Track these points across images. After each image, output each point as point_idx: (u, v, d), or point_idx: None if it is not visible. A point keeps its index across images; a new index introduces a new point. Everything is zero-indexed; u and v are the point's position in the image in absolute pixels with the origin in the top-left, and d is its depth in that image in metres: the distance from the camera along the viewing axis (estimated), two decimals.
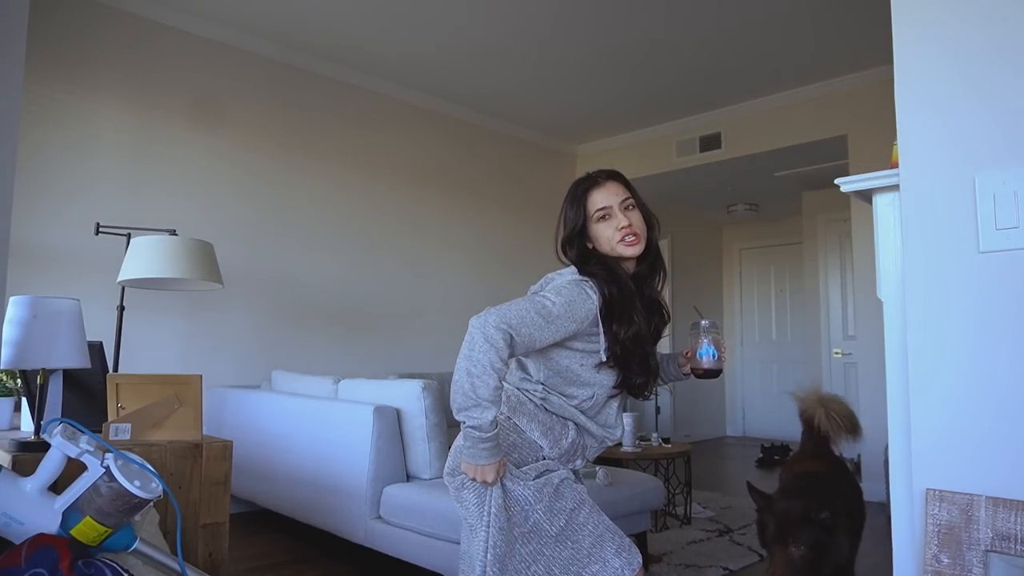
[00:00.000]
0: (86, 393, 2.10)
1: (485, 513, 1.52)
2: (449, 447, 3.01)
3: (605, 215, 1.65)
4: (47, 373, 1.83)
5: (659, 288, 1.77)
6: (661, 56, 4.43)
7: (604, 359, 1.59)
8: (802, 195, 6.52)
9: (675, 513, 3.95)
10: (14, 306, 1.78)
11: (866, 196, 1.39)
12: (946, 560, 1.11)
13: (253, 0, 3.79)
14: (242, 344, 4.09)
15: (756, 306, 8.00)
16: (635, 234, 1.64)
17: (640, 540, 3.06)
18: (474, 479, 1.51)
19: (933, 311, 1.21)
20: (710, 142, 5.42)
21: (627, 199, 1.67)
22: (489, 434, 1.45)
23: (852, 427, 3.14)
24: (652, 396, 1.75)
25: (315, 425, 3.12)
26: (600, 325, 1.58)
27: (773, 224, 7.85)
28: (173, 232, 3.18)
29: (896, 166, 1.31)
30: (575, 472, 1.72)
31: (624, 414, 3.86)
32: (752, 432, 7.83)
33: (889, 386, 1.29)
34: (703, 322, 1.75)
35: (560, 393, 1.62)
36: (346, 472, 2.89)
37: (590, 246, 1.68)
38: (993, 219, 1.15)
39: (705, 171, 5.67)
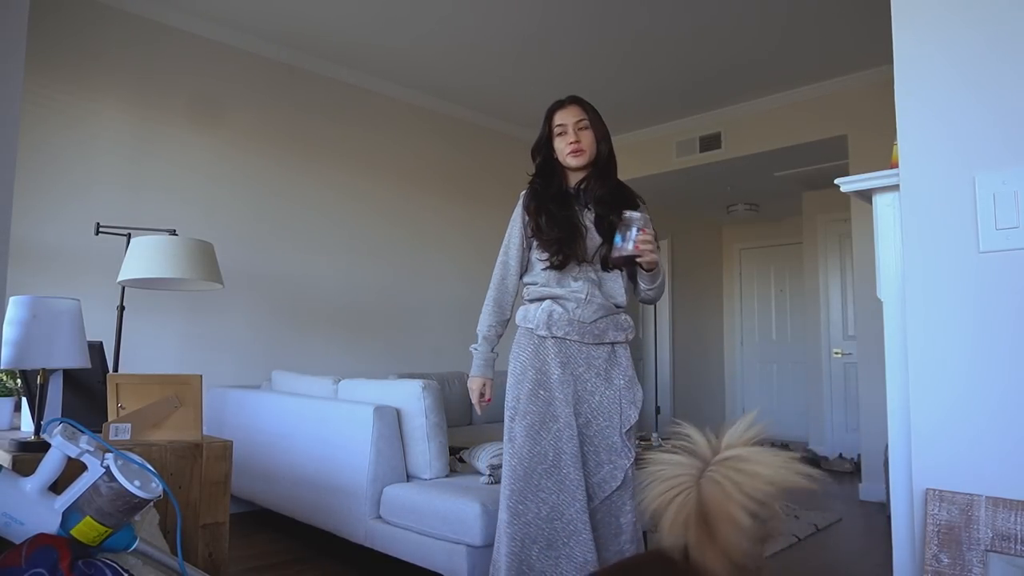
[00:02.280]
0: (86, 393, 2.10)
1: None
2: (449, 447, 3.02)
3: (562, 132, 2.11)
4: (47, 373, 1.83)
5: (609, 187, 2.12)
6: (661, 56, 4.43)
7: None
8: (802, 195, 6.52)
9: None
10: (14, 306, 1.78)
11: (866, 196, 1.39)
12: (946, 560, 1.11)
13: (253, 0, 3.79)
14: (242, 344, 4.09)
15: (756, 306, 8.00)
16: (580, 149, 2.09)
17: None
18: None
19: (933, 311, 1.21)
20: (710, 142, 5.42)
21: (582, 120, 2.10)
22: None
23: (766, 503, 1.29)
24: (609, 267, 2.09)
25: (315, 425, 3.12)
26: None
27: (773, 224, 7.85)
28: (173, 232, 3.18)
29: (896, 166, 1.31)
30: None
31: None
32: None
33: (889, 386, 1.29)
34: (624, 214, 1.96)
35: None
36: (346, 472, 2.89)
37: (555, 156, 2.14)
38: (993, 219, 1.15)
39: (705, 171, 5.67)
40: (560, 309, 2.05)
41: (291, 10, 3.89)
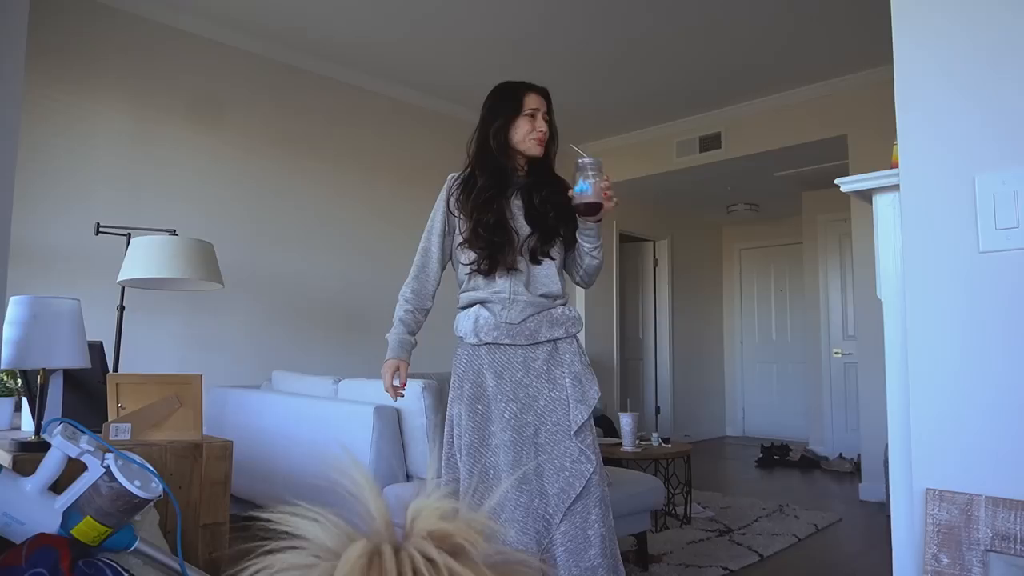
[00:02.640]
0: (86, 393, 2.10)
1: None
2: None
3: (533, 114, 1.99)
4: (47, 373, 1.83)
5: (552, 193, 2.00)
6: (661, 56, 4.43)
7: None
8: (802, 195, 6.52)
9: (675, 513, 3.95)
10: (14, 306, 1.78)
11: (866, 196, 1.39)
12: (946, 560, 1.11)
13: (253, 0, 3.79)
14: (242, 344, 4.09)
15: (756, 306, 8.00)
16: (542, 141, 2.00)
17: (640, 540, 3.06)
18: None
19: (933, 311, 1.21)
20: (710, 142, 5.42)
21: (547, 111, 2.03)
22: None
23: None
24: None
25: (315, 425, 3.12)
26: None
27: (773, 224, 7.85)
28: (173, 232, 3.18)
29: (896, 166, 1.31)
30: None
31: (624, 414, 3.86)
32: (752, 432, 7.83)
33: (889, 386, 1.29)
34: (579, 160, 1.85)
35: None
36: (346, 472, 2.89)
37: (492, 143, 1.99)
38: (993, 219, 1.15)
39: (705, 171, 5.67)
40: (487, 313, 1.94)
41: (291, 10, 3.89)
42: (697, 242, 7.80)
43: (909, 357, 1.23)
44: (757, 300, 8.00)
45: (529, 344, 1.91)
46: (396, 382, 2.04)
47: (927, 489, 1.17)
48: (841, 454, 6.02)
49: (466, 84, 4.93)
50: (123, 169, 3.72)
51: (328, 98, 4.62)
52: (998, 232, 1.15)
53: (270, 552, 0.72)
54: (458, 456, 1.91)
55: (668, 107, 5.33)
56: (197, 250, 2.94)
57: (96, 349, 2.15)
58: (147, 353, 3.66)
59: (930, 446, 1.19)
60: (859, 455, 5.07)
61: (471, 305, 2.00)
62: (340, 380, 3.35)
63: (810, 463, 5.94)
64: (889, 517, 1.28)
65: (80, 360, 1.83)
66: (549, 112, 2.04)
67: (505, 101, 2.02)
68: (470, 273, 1.98)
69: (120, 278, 2.95)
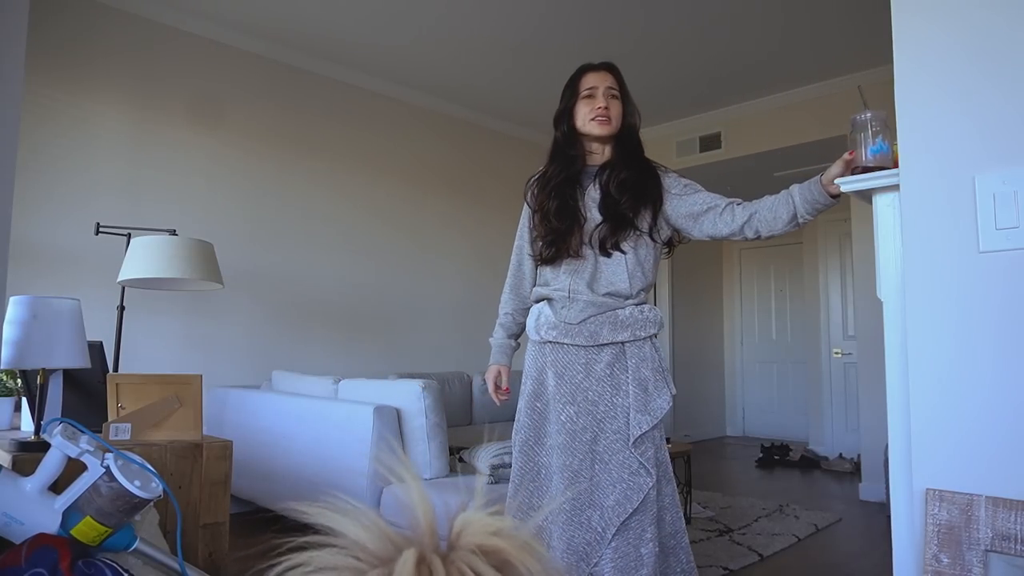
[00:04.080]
0: (86, 393, 2.10)
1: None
2: (449, 447, 3.01)
3: (590, 94, 1.89)
4: (47, 373, 1.83)
5: (635, 168, 1.88)
6: (660, 56, 4.43)
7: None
8: None
9: None
10: (14, 306, 1.78)
11: (866, 196, 1.39)
12: (946, 560, 1.11)
13: (253, 0, 3.79)
14: (242, 344, 4.09)
15: (756, 306, 8.00)
16: (607, 116, 1.87)
17: None
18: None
19: (933, 311, 1.21)
20: (710, 142, 5.42)
21: (612, 87, 1.91)
22: None
23: None
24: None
25: (315, 425, 3.12)
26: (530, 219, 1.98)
27: None
28: (173, 232, 3.18)
29: (896, 166, 1.31)
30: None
31: None
32: (752, 432, 7.83)
33: (889, 386, 1.29)
34: (868, 114, 1.42)
35: None
36: (346, 472, 2.89)
37: (557, 133, 1.93)
38: (993, 219, 1.15)
39: (705, 171, 5.67)
40: (548, 311, 1.87)
41: (291, 10, 3.89)
42: (697, 242, 7.78)
43: (909, 357, 1.23)
44: (757, 300, 8.00)
45: (592, 345, 1.80)
46: (500, 385, 1.99)
47: (927, 489, 1.17)
48: (841, 454, 6.02)
49: (466, 84, 4.93)
50: (123, 169, 3.72)
51: (328, 98, 4.62)
52: (998, 232, 1.15)
53: (303, 548, 0.66)
54: (515, 448, 1.88)
55: (668, 107, 5.33)
56: (197, 250, 2.94)
57: (96, 349, 2.15)
58: (147, 353, 3.66)
59: (930, 446, 1.19)
60: (859, 455, 5.07)
61: (539, 301, 1.93)
62: (340, 380, 3.35)
63: (810, 463, 5.94)
64: (889, 517, 1.28)
65: (80, 360, 1.83)
66: (621, 87, 1.92)
67: (566, 89, 1.95)
68: (539, 266, 1.93)
69: (120, 278, 2.95)
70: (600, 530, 1.70)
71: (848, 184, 1.39)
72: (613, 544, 1.69)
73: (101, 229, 3.27)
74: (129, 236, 3.19)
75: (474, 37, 4.20)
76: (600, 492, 1.73)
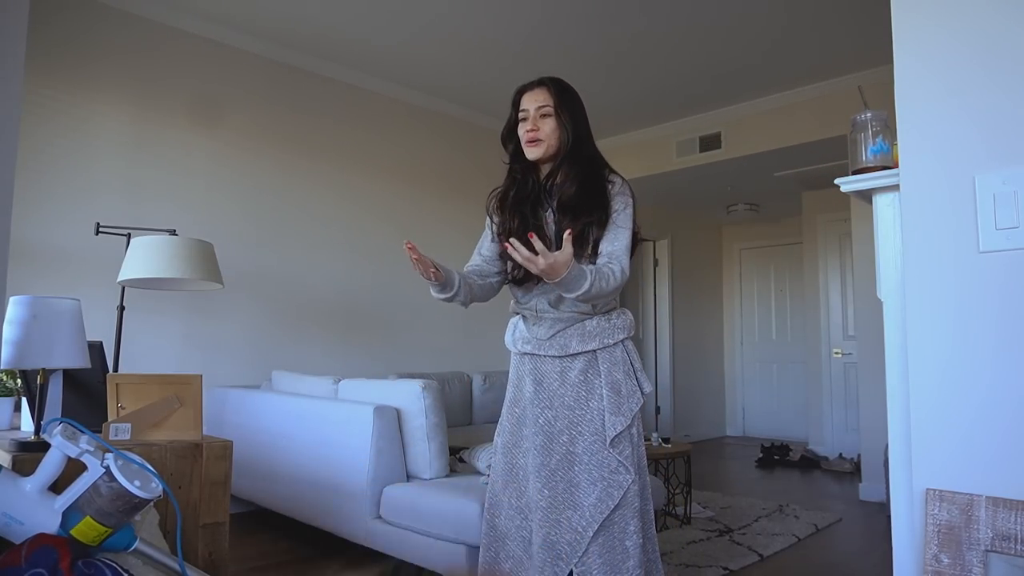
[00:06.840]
0: (86, 393, 2.10)
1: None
2: (449, 447, 3.01)
3: (524, 117, 1.88)
4: (47, 373, 1.83)
5: (578, 186, 1.84)
6: (661, 56, 4.43)
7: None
8: (802, 195, 6.51)
9: (675, 513, 3.95)
10: (14, 306, 1.78)
11: (866, 196, 1.39)
12: (946, 560, 1.11)
13: (253, 0, 3.79)
14: (242, 344, 4.09)
15: (756, 306, 8.00)
16: (536, 140, 1.83)
17: None
18: None
19: (933, 311, 1.21)
20: (710, 142, 5.42)
21: (544, 106, 1.85)
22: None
23: None
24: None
25: (315, 425, 3.12)
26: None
27: (773, 224, 7.85)
28: (173, 232, 3.18)
29: (896, 166, 1.31)
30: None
31: None
32: (752, 432, 7.83)
33: (889, 386, 1.29)
34: (865, 114, 1.42)
35: None
36: (346, 472, 2.89)
37: (507, 151, 1.97)
38: (993, 219, 1.15)
39: (705, 171, 5.67)
40: (523, 325, 1.95)
41: (291, 10, 3.89)
42: (697, 242, 7.80)
43: (909, 357, 1.23)
44: (757, 300, 8.00)
45: (564, 356, 1.86)
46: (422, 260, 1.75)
47: (927, 489, 1.17)
48: (841, 454, 6.02)
49: (465, 84, 4.93)
50: (123, 169, 3.71)
51: (328, 98, 4.62)
52: (998, 232, 1.15)
53: None
54: (494, 453, 1.97)
55: (668, 107, 5.33)
56: (197, 250, 2.94)
57: (96, 349, 2.15)
58: (147, 353, 3.66)
59: (930, 446, 1.19)
60: (859, 455, 5.07)
61: (514, 315, 2.02)
62: (340, 380, 3.35)
63: (810, 463, 5.94)
64: (889, 517, 1.28)
65: (80, 360, 1.83)
66: (562, 103, 1.85)
67: (512, 108, 1.95)
68: (508, 283, 1.96)
69: (120, 278, 2.95)
70: (580, 529, 1.76)
71: (848, 184, 1.39)
72: (599, 540, 1.75)
73: (101, 229, 3.27)
74: (129, 236, 3.19)
75: (473, 36, 4.20)
76: (580, 492, 1.78)
